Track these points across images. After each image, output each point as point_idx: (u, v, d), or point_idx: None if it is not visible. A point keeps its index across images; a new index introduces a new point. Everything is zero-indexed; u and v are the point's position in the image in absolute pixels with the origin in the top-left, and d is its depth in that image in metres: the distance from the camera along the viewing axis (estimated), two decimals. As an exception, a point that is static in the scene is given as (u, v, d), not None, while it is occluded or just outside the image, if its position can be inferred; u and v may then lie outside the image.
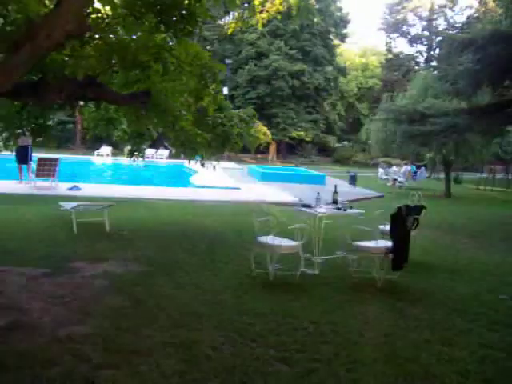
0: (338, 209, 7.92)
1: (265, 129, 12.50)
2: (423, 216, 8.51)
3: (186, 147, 9.73)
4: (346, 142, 53.07)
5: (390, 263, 7.14)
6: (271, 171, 27.60)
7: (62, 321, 5.41)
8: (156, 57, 6.87)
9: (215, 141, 11.04)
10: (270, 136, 12.89)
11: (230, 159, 40.95)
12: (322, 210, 7.73)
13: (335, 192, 8.15)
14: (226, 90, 41.65)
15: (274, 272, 7.30)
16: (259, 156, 47.93)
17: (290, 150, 50.94)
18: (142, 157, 12.44)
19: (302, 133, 46.94)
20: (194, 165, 12.64)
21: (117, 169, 28.93)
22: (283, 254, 7.55)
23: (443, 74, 14.06)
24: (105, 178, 24.68)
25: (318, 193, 8.07)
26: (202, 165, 12.29)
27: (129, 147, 11.98)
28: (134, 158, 11.80)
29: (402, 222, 7.06)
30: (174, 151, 10.20)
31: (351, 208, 8.15)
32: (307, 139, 47.97)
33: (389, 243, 7.14)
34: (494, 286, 7.54)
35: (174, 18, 6.99)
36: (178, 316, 5.70)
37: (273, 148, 47.13)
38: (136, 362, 4.50)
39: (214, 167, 13.04)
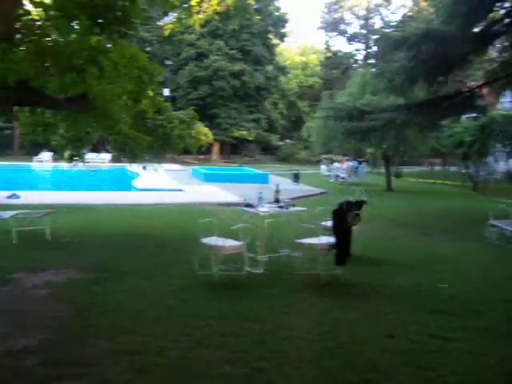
0: (281, 207, 7.97)
1: (206, 130, 12.47)
2: (364, 210, 8.68)
3: (126, 150, 9.59)
4: (288, 140, 53.47)
5: (333, 259, 7.23)
6: (215, 171, 27.53)
7: (2, 335, 5.23)
8: (91, 60, 6.74)
9: (156, 143, 10.92)
10: (211, 136, 12.87)
11: (173, 161, 40.61)
12: (265, 209, 7.76)
13: (277, 191, 8.20)
14: (166, 92, 41.26)
15: (218, 273, 7.27)
16: (202, 157, 47.69)
17: (233, 149, 50.96)
18: (82, 162, 12.16)
19: (245, 132, 47.02)
20: (136, 168, 12.48)
21: (58, 175, 28.19)
22: (228, 255, 7.54)
23: (380, 71, 14.34)
24: (45, 185, 24.05)
25: (260, 192, 8.09)
26: (144, 168, 12.15)
27: (68, 152, 11.69)
28: (73, 163, 11.54)
29: (344, 217, 7.16)
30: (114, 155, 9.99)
31: (294, 206, 8.22)
32: (250, 138, 48.08)
33: (331, 239, 7.23)
34: (435, 276, 7.76)
35: (109, 20, 6.88)
36: (124, 323, 5.61)
37: (216, 148, 47.04)
38: (81, 372, 4.40)
39: (156, 169, 12.89)
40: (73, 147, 11.50)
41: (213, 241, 7.19)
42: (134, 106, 8.40)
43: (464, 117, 22.02)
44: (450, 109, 14.19)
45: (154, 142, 10.87)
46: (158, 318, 5.76)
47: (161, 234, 11.01)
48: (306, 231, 7.67)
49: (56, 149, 12.11)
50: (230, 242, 7.36)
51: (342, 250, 7.14)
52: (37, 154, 34.90)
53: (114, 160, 30.32)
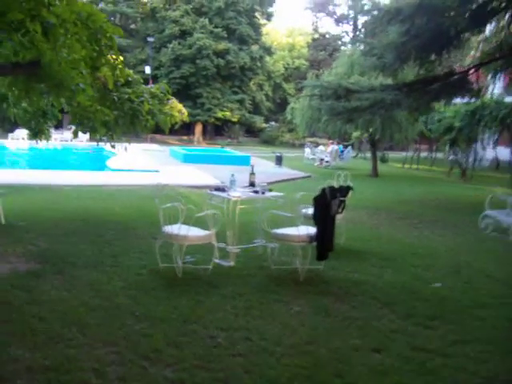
0: (256, 192, 7.03)
1: (180, 106, 11.63)
2: (350, 197, 7.79)
3: (85, 125, 8.54)
4: (273, 123, 52.34)
5: (314, 252, 6.32)
6: (194, 152, 26.47)
7: None
8: (32, 14, 5.71)
9: (122, 119, 9.89)
10: (186, 113, 12.11)
11: (153, 141, 39.46)
12: (237, 193, 6.81)
13: (252, 173, 7.26)
14: (148, 70, 40.02)
15: (182, 266, 6.33)
16: (185, 137, 46.58)
17: (217, 131, 49.78)
18: (47, 139, 11.12)
19: (228, 113, 45.78)
20: (109, 147, 11.45)
21: (31, 153, 26.94)
22: (195, 245, 6.62)
23: (369, 48, 13.38)
24: (14, 164, 22.85)
25: (233, 174, 7.14)
26: (113, 146, 11.14)
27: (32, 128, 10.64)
28: (37, 140, 10.55)
29: (327, 205, 6.23)
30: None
31: (270, 191, 7.28)
32: (233, 120, 46.87)
33: (312, 229, 6.31)
34: (426, 273, 6.88)
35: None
36: (58, 327, 4.65)
37: (198, 129, 45.90)
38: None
39: (126, 148, 11.88)
40: (36, 123, 10.49)
41: (175, 229, 6.24)
42: (91, 75, 7.35)
43: (454, 102, 21.20)
44: (442, 91, 13.27)
45: (119, 117, 9.87)
46: (101, 322, 4.82)
47: (125, 218, 10.04)
48: (284, 220, 6.75)
49: (19, 124, 11.01)
50: (195, 232, 6.41)
51: (323, 242, 6.22)
52: (12, 131, 33.54)
53: (93, 139, 29.07)
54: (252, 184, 7.26)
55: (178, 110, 11.61)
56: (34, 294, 5.51)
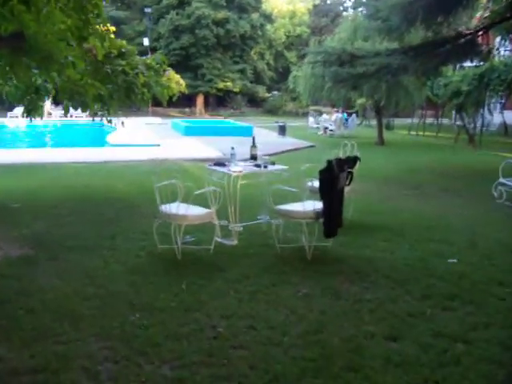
0: (258, 166, 6.62)
1: (177, 77, 11.20)
2: (357, 168, 7.39)
3: (75, 100, 8.10)
4: (276, 92, 51.50)
5: (321, 228, 5.93)
6: (195, 125, 25.95)
7: None
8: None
9: (117, 92, 9.45)
10: (184, 84, 11.70)
11: (155, 114, 38.92)
12: (238, 168, 6.40)
13: (253, 146, 6.85)
14: (146, 41, 39.27)
15: (182, 247, 5.98)
16: (187, 109, 45.97)
17: (219, 102, 49.05)
18: (41, 116, 10.68)
19: (230, 83, 45.06)
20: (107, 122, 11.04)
21: (30, 131, 26.47)
22: (194, 225, 6.26)
23: (373, 10, 12.79)
24: (13, 143, 22.46)
25: (233, 147, 6.73)
26: (109, 121, 10.75)
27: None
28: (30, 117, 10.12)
29: (334, 178, 5.82)
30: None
31: (273, 164, 6.86)
32: (235, 90, 46.14)
33: (319, 205, 5.91)
34: (440, 247, 6.49)
35: None
36: (48, 321, 4.31)
37: (200, 100, 45.28)
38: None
39: (123, 123, 11.44)
40: (29, 99, 10.05)
41: (173, 208, 5.87)
42: (78, 46, 6.90)
43: (460, 65, 20.60)
44: (451, 54, 12.72)
45: (114, 90, 9.43)
46: (95, 314, 4.48)
47: (126, 195, 9.71)
48: (289, 194, 6.36)
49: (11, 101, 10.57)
50: (195, 210, 6.03)
51: (331, 218, 5.83)
52: (12, 109, 33.03)
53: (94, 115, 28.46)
54: (253, 157, 6.85)
55: (176, 81, 11.11)
56: (24, 283, 5.18)
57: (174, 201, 5.98)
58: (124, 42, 9.96)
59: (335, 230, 5.92)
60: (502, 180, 9.14)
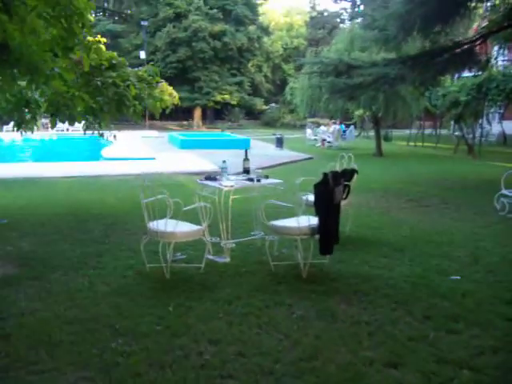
0: (250, 180, 6.35)
1: (170, 89, 10.99)
2: (355, 180, 7.14)
3: (62, 113, 7.83)
4: (273, 104, 51.35)
5: (317, 245, 5.64)
6: (192, 138, 25.69)
7: None
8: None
9: (107, 105, 9.20)
10: (177, 97, 11.53)
11: (152, 127, 38.75)
12: (229, 182, 6.13)
13: (246, 159, 6.57)
14: (143, 54, 39.19)
15: (171, 266, 5.69)
16: (185, 123, 45.79)
17: (217, 114, 48.85)
18: (31, 130, 10.42)
19: (227, 96, 44.88)
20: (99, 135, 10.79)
21: (24, 145, 26.19)
22: (184, 242, 5.98)
23: (370, 20, 12.58)
24: (9, 157, 22.19)
25: (224, 161, 6.45)
26: (101, 135, 10.50)
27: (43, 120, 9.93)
28: (21, 131, 9.86)
29: (329, 192, 5.54)
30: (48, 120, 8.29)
31: (267, 177, 6.59)
32: (233, 102, 45.99)
33: (314, 220, 5.63)
34: (442, 263, 6.19)
35: None
36: (23, 349, 4.01)
37: (198, 113, 45.09)
38: None
39: (115, 137, 11.18)
40: (18, 113, 9.80)
41: (161, 225, 5.58)
42: (63, 57, 6.65)
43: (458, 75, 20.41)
44: (449, 63, 12.50)
45: (104, 103, 9.19)
46: (74, 340, 4.17)
47: (117, 211, 9.43)
48: (283, 209, 6.08)
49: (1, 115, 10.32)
50: (184, 227, 5.75)
51: (327, 234, 5.55)
52: (8, 123, 32.78)
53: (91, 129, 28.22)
54: (246, 171, 6.57)
55: (169, 93, 10.85)
56: (2, 306, 4.89)
57: (163, 217, 5.70)
58: (114, 53, 9.73)
59: (331, 246, 5.63)
60: (504, 191, 8.86)
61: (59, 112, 7.77)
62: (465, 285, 5.41)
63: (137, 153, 19.71)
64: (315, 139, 27.03)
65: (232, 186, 6.06)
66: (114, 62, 9.56)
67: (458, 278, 5.64)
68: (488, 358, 3.83)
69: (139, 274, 5.81)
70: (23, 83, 7.63)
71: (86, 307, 4.86)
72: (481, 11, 15.62)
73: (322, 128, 28.02)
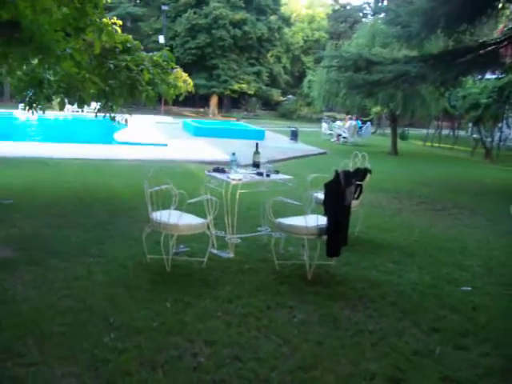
0: (260, 174, 6.15)
1: (185, 75, 10.73)
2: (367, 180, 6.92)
3: (71, 95, 7.65)
4: (291, 96, 50.95)
5: (324, 246, 5.44)
6: (206, 126, 25.49)
7: None
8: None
9: (119, 89, 9.04)
10: (192, 83, 11.30)
11: (169, 113, 38.61)
12: (238, 176, 5.93)
13: (256, 152, 6.37)
14: (162, 39, 38.86)
15: (172, 258, 5.52)
16: (202, 110, 45.61)
17: (233, 103, 48.57)
18: (42, 110, 10.28)
19: (244, 85, 44.55)
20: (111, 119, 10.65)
21: (38, 124, 26.12)
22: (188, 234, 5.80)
23: (394, 15, 12.28)
24: (22, 135, 22.14)
25: (234, 153, 6.25)
26: (112, 118, 10.34)
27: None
28: (32, 110, 9.73)
29: (340, 192, 5.33)
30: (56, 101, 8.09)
31: (277, 172, 6.39)
32: (250, 92, 45.68)
33: (322, 220, 5.42)
34: (453, 272, 5.97)
35: None
36: (11, 339, 3.86)
37: (214, 101, 44.85)
38: None
39: (126, 121, 11.02)
40: (32, 92, 9.67)
41: (164, 217, 5.41)
42: (75, 37, 6.48)
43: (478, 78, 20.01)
44: (473, 64, 12.17)
45: (116, 87, 9.02)
46: (66, 332, 4.02)
47: (123, 198, 9.26)
48: (291, 206, 5.89)
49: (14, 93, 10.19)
50: (188, 219, 5.56)
51: (335, 236, 5.34)
52: (23, 101, 32.75)
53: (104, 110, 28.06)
54: (256, 165, 6.37)
55: (184, 79, 10.63)
56: (-4, 292, 4.74)
57: (168, 207, 5.53)
58: (129, 36, 9.54)
59: (339, 249, 5.42)
60: (521, 200, 8.61)
61: (68, 94, 7.60)
62: (476, 297, 5.18)
63: (149, 138, 19.55)
64: (330, 134, 26.75)
65: (240, 180, 5.87)
66: (128, 45, 9.39)
67: (469, 289, 5.41)
68: (498, 380, 3.62)
69: (139, 265, 5.64)
70: (36, 62, 7.49)
71: (81, 297, 4.70)
72: (508, 12, 15.26)
73: (338, 123, 27.73)
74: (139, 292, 4.90)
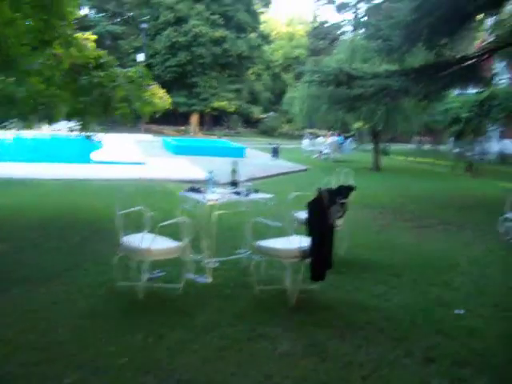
0: (238, 193, 5.81)
1: (162, 92, 10.40)
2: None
3: (39, 112, 7.28)
4: (272, 113, 50.83)
5: (309, 270, 5.09)
6: (186, 144, 25.12)
7: None
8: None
9: (93, 106, 8.71)
10: (169, 100, 10.99)
11: (148, 131, 38.24)
12: (214, 196, 5.59)
13: (233, 171, 6.03)
14: (141, 57, 38.62)
15: (146, 285, 5.13)
16: (183, 128, 45.27)
17: (215, 121, 48.31)
18: (17, 129, 9.90)
19: (225, 103, 44.40)
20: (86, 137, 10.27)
21: (17, 144, 25.51)
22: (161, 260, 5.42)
23: (374, 29, 12.10)
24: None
25: (211, 171, 5.90)
26: (87, 137, 9.99)
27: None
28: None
29: (323, 211, 5.00)
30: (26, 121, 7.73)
31: (257, 191, 6.05)
32: (230, 110, 45.49)
33: (306, 241, 5.07)
34: (444, 294, 5.64)
35: None
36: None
37: (194, 119, 44.53)
38: None
39: (100, 139, 10.65)
40: (3, 111, 9.29)
41: (136, 241, 5.03)
42: (41, 50, 6.14)
43: (456, 93, 19.99)
44: (454, 77, 12.00)
45: (90, 104, 8.69)
46: (20, 375, 3.61)
47: (98, 219, 8.84)
48: (273, 227, 5.54)
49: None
50: (161, 243, 5.19)
51: (319, 258, 5.00)
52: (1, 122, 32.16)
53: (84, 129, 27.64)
54: (234, 183, 6.03)
55: (160, 96, 10.33)
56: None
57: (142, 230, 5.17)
58: (103, 52, 9.22)
59: (324, 272, 5.08)
60: (509, 215, 8.32)
61: (35, 111, 7.23)
62: (470, 320, 4.85)
63: (127, 157, 19.13)
64: (312, 150, 26.52)
65: (217, 200, 5.52)
66: (101, 61, 9.07)
67: (462, 311, 5.09)
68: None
69: (110, 293, 5.25)
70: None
71: (43, 331, 4.29)
72: (485, 26, 15.20)
73: (320, 139, 27.53)
74: (107, 324, 4.51)
